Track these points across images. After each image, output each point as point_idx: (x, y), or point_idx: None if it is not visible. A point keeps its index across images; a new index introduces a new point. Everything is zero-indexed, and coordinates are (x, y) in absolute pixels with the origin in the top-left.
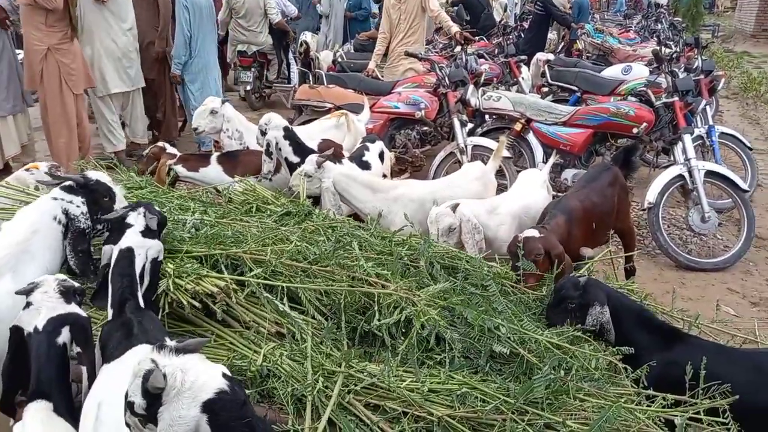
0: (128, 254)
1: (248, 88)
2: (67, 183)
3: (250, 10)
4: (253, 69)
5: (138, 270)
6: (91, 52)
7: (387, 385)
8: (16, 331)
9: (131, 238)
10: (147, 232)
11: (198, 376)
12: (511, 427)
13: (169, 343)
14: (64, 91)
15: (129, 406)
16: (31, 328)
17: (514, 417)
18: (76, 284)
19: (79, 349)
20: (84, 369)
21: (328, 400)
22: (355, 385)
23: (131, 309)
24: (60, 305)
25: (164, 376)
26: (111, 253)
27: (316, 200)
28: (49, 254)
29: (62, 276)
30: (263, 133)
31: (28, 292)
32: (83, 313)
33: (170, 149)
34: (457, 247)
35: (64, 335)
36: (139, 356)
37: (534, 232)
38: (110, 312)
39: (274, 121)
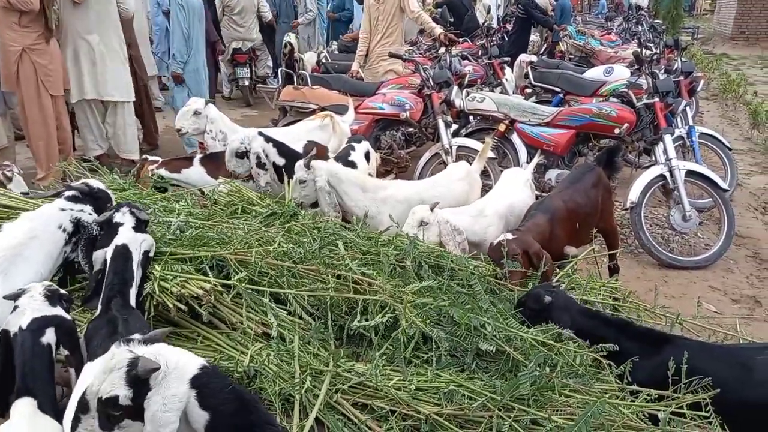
0: (124, 251)
1: (246, 83)
2: (72, 192)
3: (246, 7)
4: (248, 65)
5: (135, 266)
6: (68, 56)
7: (374, 384)
8: (4, 335)
9: (125, 235)
10: (137, 227)
11: (178, 357)
12: (497, 424)
13: (134, 336)
14: (42, 92)
15: (106, 404)
16: (16, 329)
17: (501, 414)
18: (63, 291)
19: (67, 352)
20: (72, 372)
21: (316, 399)
22: (343, 385)
23: (117, 306)
24: (45, 307)
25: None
26: (103, 257)
27: (315, 205)
28: (45, 260)
29: (49, 283)
30: (243, 154)
31: (15, 297)
32: (68, 317)
33: (152, 158)
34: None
35: (49, 335)
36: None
37: (508, 235)
38: (99, 308)
39: (249, 133)
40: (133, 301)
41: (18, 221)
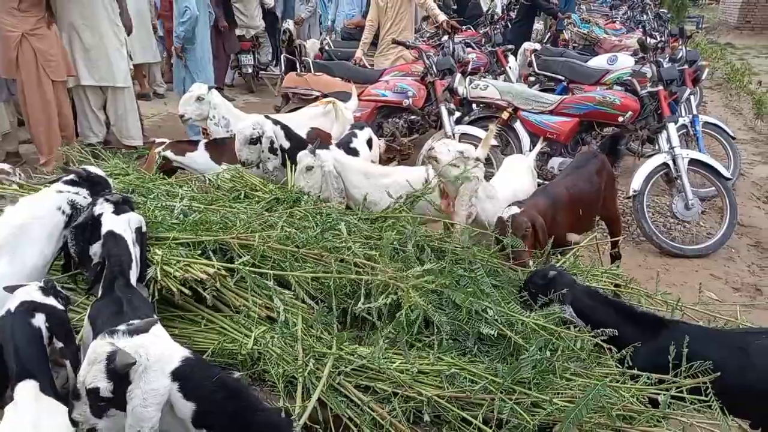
0: (111, 235)
1: (249, 70)
2: (70, 177)
3: None
4: (251, 52)
5: (131, 244)
6: (65, 41)
7: (377, 366)
8: None
9: (108, 222)
10: (118, 210)
11: (161, 349)
12: (499, 406)
13: (120, 327)
14: (42, 78)
15: (90, 394)
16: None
17: (502, 396)
18: (61, 290)
19: (60, 344)
20: (68, 363)
21: (319, 382)
22: (346, 367)
23: (120, 287)
24: (36, 294)
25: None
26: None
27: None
28: (48, 241)
29: (49, 279)
30: (256, 140)
31: (14, 288)
32: (60, 307)
33: (159, 140)
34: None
35: (39, 320)
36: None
37: (515, 209)
38: (100, 290)
39: (259, 119)
40: (134, 280)
41: (19, 204)
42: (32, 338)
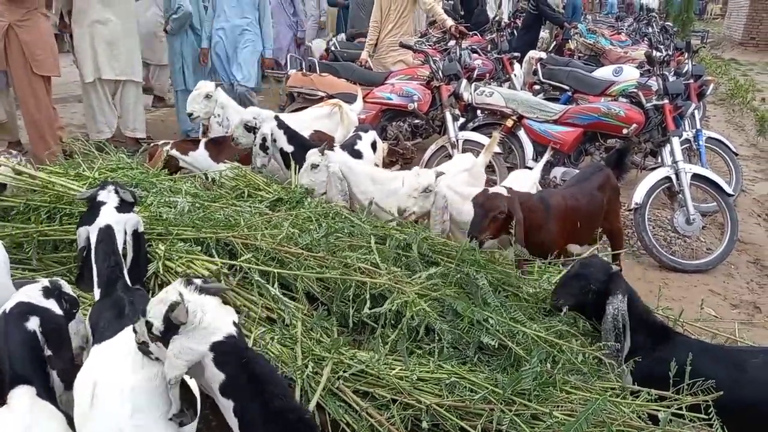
0: (108, 232)
1: None
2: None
3: None
4: None
5: (120, 246)
6: (80, 33)
7: (376, 372)
8: None
9: (108, 216)
10: (122, 208)
11: (214, 318)
12: (498, 417)
13: (196, 281)
14: (31, 71)
15: (146, 324)
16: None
17: (502, 407)
18: (70, 292)
19: (50, 352)
20: (54, 374)
21: (318, 385)
22: (345, 372)
23: (121, 288)
24: (36, 295)
25: (187, 311)
26: (87, 234)
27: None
28: None
29: (57, 279)
30: (251, 128)
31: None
32: (58, 313)
33: (162, 141)
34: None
35: (33, 323)
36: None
37: (503, 190)
38: (97, 292)
39: (263, 113)
40: (128, 281)
41: None
42: (27, 341)
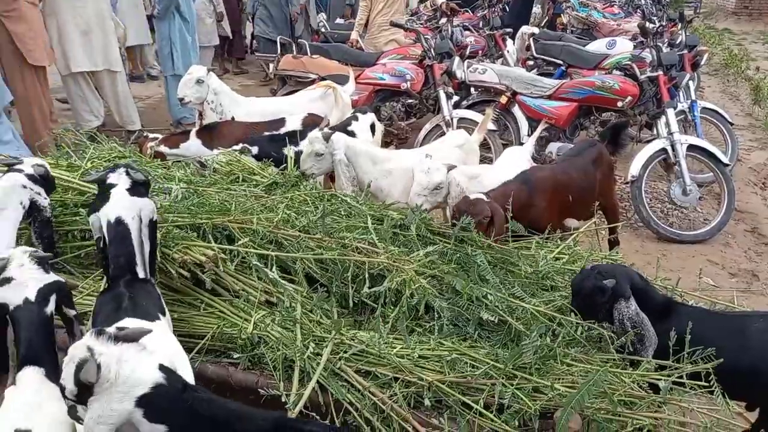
0: (120, 226)
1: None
2: (30, 172)
3: None
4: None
5: (136, 237)
6: (55, 25)
7: (377, 351)
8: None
9: (119, 202)
10: (134, 191)
11: (134, 369)
12: (500, 391)
13: (109, 330)
14: (23, 62)
15: (61, 389)
16: (19, 301)
17: (503, 381)
18: (42, 253)
19: (74, 312)
20: (76, 324)
21: (318, 366)
22: (345, 352)
23: (125, 282)
24: (43, 276)
25: (98, 366)
26: (99, 223)
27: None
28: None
29: (26, 248)
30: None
31: (1, 269)
32: (62, 279)
33: (152, 135)
34: (435, 206)
35: (51, 304)
36: (78, 345)
37: (482, 196)
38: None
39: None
40: (142, 273)
41: None
42: (46, 325)
